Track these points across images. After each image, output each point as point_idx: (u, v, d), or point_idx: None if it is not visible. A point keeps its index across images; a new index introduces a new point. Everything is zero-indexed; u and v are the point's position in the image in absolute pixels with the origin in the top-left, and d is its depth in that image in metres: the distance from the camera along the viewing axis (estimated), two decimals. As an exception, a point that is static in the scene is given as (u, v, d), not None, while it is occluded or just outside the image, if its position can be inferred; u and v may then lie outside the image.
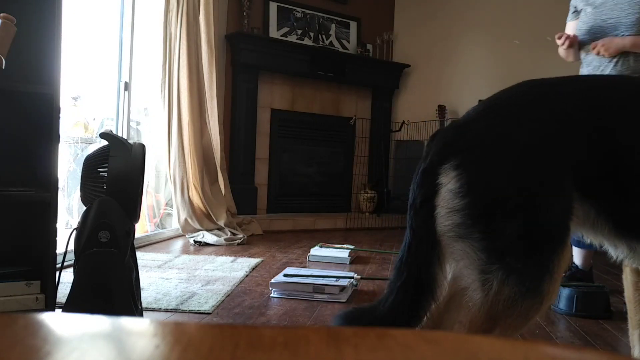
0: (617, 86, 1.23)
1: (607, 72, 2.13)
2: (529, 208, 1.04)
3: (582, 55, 2.25)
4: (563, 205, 1.06)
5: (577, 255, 2.70)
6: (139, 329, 0.39)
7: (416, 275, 1.11)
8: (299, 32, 5.06)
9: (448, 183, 1.06)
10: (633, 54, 2.05)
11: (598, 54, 2.13)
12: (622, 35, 2.07)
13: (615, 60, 2.10)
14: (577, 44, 2.24)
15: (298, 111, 5.07)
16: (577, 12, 2.36)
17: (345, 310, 1.27)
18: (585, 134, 1.09)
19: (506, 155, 1.08)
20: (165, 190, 4.16)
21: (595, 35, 2.15)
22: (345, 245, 3.46)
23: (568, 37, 2.21)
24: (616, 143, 1.08)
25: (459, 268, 1.10)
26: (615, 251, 1.20)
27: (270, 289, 2.38)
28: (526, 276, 1.02)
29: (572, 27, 2.40)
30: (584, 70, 2.26)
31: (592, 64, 2.18)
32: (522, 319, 1.03)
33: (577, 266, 2.69)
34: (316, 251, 3.28)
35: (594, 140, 1.08)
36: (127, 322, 0.40)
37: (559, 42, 2.26)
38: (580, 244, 2.58)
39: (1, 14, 1.42)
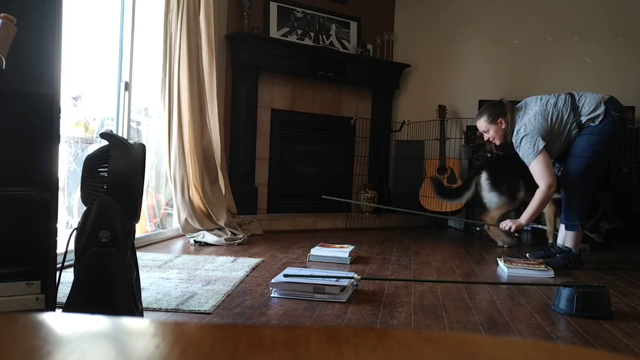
0: None
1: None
2: None
3: None
4: None
5: (569, 238, 3.25)
6: (139, 329, 0.39)
7: None
8: (299, 32, 5.06)
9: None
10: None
11: None
12: None
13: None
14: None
15: (298, 111, 5.07)
16: None
17: None
18: None
19: None
20: (166, 190, 4.16)
21: None
22: (345, 245, 3.46)
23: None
24: None
25: None
26: None
27: (270, 289, 2.38)
28: None
29: None
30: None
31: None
32: None
33: (559, 247, 3.30)
34: (316, 251, 3.28)
35: None
36: (128, 322, 0.40)
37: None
38: (569, 227, 3.22)
39: (1, 14, 1.42)
